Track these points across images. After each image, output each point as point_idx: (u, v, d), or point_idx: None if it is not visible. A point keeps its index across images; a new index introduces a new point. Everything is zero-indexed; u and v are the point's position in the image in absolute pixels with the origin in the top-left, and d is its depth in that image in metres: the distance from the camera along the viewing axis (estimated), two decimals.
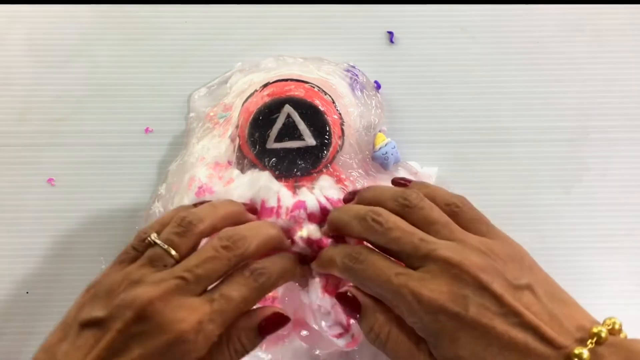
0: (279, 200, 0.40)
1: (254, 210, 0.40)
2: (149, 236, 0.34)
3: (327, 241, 0.38)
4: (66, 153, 0.47)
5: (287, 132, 0.42)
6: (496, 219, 0.45)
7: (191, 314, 0.31)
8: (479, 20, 0.50)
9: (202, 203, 0.38)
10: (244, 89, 0.46)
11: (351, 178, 0.43)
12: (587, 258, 0.46)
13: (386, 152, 0.44)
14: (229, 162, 0.43)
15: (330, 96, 0.44)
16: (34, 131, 0.47)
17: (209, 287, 0.33)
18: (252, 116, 0.42)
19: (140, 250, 0.34)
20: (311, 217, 0.40)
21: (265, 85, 0.44)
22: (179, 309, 0.31)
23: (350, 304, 0.35)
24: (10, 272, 0.45)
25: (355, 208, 0.36)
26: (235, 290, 0.33)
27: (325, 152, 0.42)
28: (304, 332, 0.41)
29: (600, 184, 0.47)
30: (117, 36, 0.49)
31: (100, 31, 0.49)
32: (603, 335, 0.30)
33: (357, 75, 0.47)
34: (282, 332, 0.40)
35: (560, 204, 0.47)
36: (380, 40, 0.50)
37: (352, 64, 0.48)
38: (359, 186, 0.43)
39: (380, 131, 0.46)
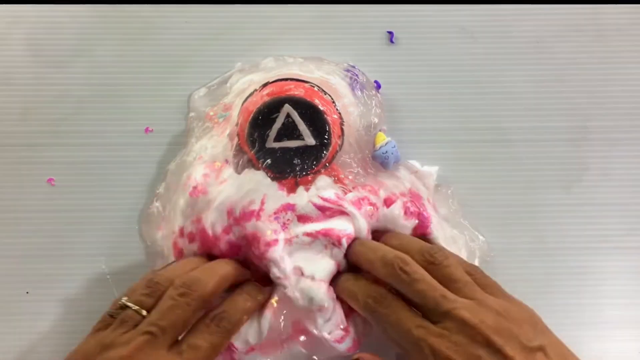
0: (262, 202, 0.40)
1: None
2: (120, 300, 0.35)
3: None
4: (66, 153, 0.47)
5: (286, 132, 0.42)
6: (496, 219, 0.46)
7: None
8: (479, 20, 0.50)
9: (174, 262, 0.40)
10: (244, 88, 0.46)
11: (350, 177, 0.43)
12: (587, 258, 0.46)
13: (386, 152, 0.44)
14: (227, 161, 0.43)
15: (330, 96, 0.44)
16: (34, 131, 0.47)
17: (179, 338, 0.35)
18: (251, 115, 0.42)
19: (115, 316, 0.35)
20: (302, 219, 0.40)
21: (264, 85, 0.44)
22: None
23: None
24: (10, 272, 0.45)
25: (382, 249, 0.38)
26: (201, 339, 0.35)
27: (324, 152, 0.42)
28: (303, 338, 0.41)
29: (600, 184, 0.47)
30: (117, 36, 0.49)
31: (100, 31, 0.49)
32: None
33: (357, 75, 0.47)
34: (281, 336, 0.40)
35: (560, 204, 0.47)
36: (380, 40, 0.50)
37: (352, 64, 0.47)
38: (359, 186, 0.43)
39: (380, 130, 0.45)
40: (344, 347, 0.39)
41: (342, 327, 0.39)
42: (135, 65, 0.49)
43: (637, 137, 0.48)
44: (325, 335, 0.39)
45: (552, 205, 0.47)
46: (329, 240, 0.40)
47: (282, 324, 0.40)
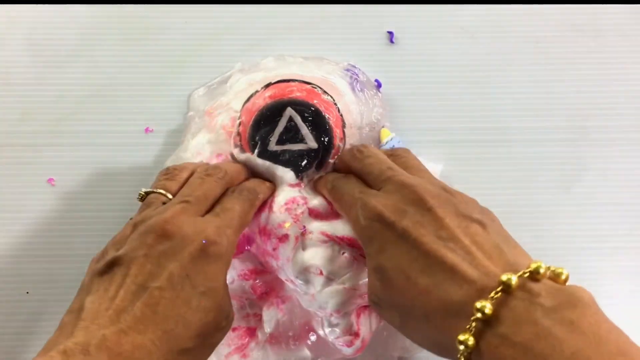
0: (273, 195, 0.40)
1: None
2: (140, 192, 0.37)
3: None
4: (66, 153, 0.47)
5: (288, 135, 0.42)
6: None
7: (207, 224, 0.33)
8: (479, 20, 0.50)
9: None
10: (244, 88, 0.46)
11: None
12: (587, 258, 0.46)
13: (393, 147, 0.44)
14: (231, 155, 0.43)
15: (331, 97, 0.44)
16: (34, 131, 0.47)
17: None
18: (253, 118, 0.42)
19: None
20: (313, 213, 0.40)
21: (267, 86, 0.44)
22: (194, 223, 0.33)
23: None
24: (10, 272, 0.45)
25: (356, 145, 0.40)
26: (231, 204, 0.36)
27: (327, 155, 0.42)
28: (313, 337, 0.41)
29: (600, 184, 0.47)
30: (117, 36, 0.49)
31: (100, 31, 0.49)
32: (541, 271, 0.27)
33: (357, 74, 0.47)
34: (289, 333, 0.40)
35: (560, 204, 0.47)
36: (380, 40, 0.50)
37: (352, 64, 0.47)
38: None
39: (384, 126, 0.45)
40: (352, 350, 0.39)
41: (353, 331, 0.39)
42: (135, 65, 0.49)
43: (637, 137, 0.48)
44: (334, 339, 0.39)
45: (552, 205, 0.47)
46: (357, 251, 0.38)
47: (292, 322, 0.40)
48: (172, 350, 0.30)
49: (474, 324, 0.27)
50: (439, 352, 0.30)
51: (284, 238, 0.39)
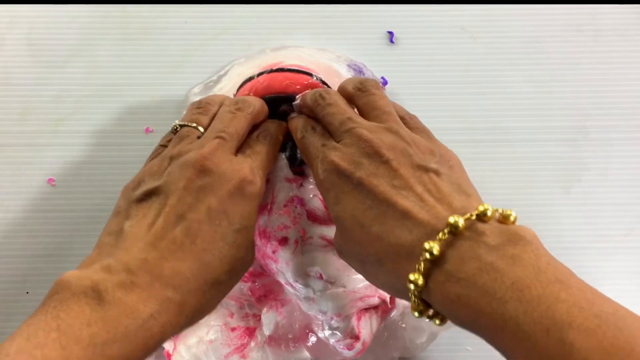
0: (272, 196, 0.40)
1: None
2: (175, 124, 0.38)
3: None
4: (66, 153, 0.47)
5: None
6: None
7: (242, 164, 0.34)
8: (479, 20, 0.50)
9: None
10: (239, 80, 0.44)
11: None
12: (587, 258, 0.46)
13: None
14: None
15: (330, 88, 0.43)
16: (34, 131, 0.47)
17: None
18: None
19: (166, 145, 0.37)
20: (311, 216, 0.40)
21: (262, 73, 0.42)
22: (231, 162, 0.34)
23: None
24: (10, 272, 0.45)
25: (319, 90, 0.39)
26: (260, 148, 0.37)
27: None
28: (312, 339, 0.41)
29: (600, 184, 0.47)
30: (117, 36, 0.49)
31: (100, 31, 0.49)
32: (489, 213, 0.28)
33: (362, 70, 0.46)
34: (289, 335, 0.40)
35: (560, 204, 0.47)
36: (380, 40, 0.50)
37: (356, 63, 0.47)
38: None
39: None
40: (352, 353, 0.39)
41: (353, 334, 0.38)
42: (135, 65, 0.49)
43: (636, 137, 0.48)
44: (335, 342, 0.39)
45: (551, 205, 0.47)
46: None
47: (292, 325, 0.40)
48: (206, 282, 0.31)
49: (422, 265, 0.28)
50: (395, 294, 0.33)
51: (283, 241, 0.39)
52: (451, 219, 0.28)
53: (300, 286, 0.38)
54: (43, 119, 0.48)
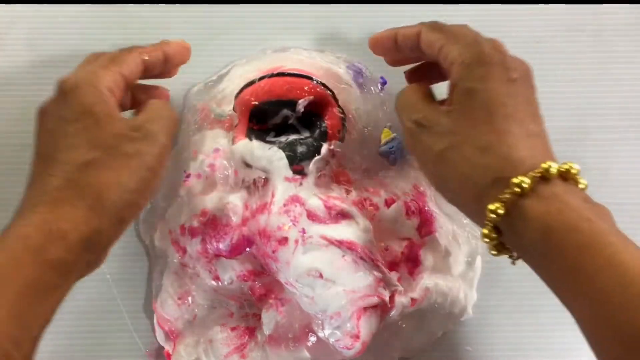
0: (272, 195, 0.40)
1: None
2: None
3: None
4: None
5: (285, 131, 0.42)
6: None
7: None
8: (479, 20, 0.50)
9: None
10: (239, 82, 0.45)
11: (352, 174, 0.43)
12: None
13: (392, 147, 0.44)
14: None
15: (331, 91, 0.43)
16: (34, 131, 0.47)
17: None
18: (250, 113, 0.42)
19: None
20: (311, 216, 0.40)
21: (262, 78, 0.43)
22: None
23: None
24: None
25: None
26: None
27: (324, 149, 0.42)
28: (312, 339, 0.41)
29: (600, 184, 0.47)
30: (117, 36, 0.49)
31: (100, 31, 0.49)
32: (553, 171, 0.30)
33: (361, 69, 0.46)
34: (288, 335, 0.40)
35: None
36: None
37: (355, 62, 0.47)
38: (362, 188, 0.43)
39: (386, 127, 0.45)
40: (352, 352, 0.39)
41: (353, 333, 0.39)
42: None
43: (637, 137, 0.48)
44: (335, 342, 0.39)
45: None
46: (357, 255, 0.39)
47: (292, 324, 0.40)
48: None
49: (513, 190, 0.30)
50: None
51: (283, 241, 0.39)
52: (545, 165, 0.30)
53: (300, 285, 0.38)
54: None
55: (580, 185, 0.31)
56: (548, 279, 0.30)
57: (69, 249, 0.30)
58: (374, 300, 0.39)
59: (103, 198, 0.31)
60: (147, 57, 0.38)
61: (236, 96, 0.43)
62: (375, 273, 0.39)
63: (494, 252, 0.31)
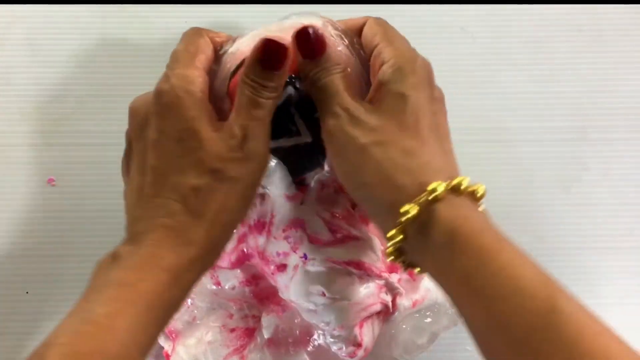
0: (272, 215, 0.39)
1: None
2: None
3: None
4: (66, 153, 0.47)
5: (282, 126, 0.40)
6: (496, 219, 0.45)
7: None
8: (479, 20, 0.50)
9: None
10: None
11: None
12: (587, 258, 0.46)
13: None
14: None
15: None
16: (34, 131, 0.47)
17: None
18: None
19: None
20: (313, 240, 0.39)
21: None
22: None
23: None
24: (10, 272, 0.45)
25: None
26: None
27: (323, 151, 0.41)
28: (313, 344, 0.41)
29: (600, 184, 0.47)
30: (117, 36, 0.49)
31: (100, 31, 0.49)
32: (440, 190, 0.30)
33: None
34: (288, 339, 0.40)
35: (560, 204, 0.47)
36: None
37: None
38: None
39: None
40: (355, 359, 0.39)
41: (356, 342, 0.38)
42: (135, 65, 0.49)
43: (637, 137, 0.48)
44: (337, 350, 0.39)
45: (551, 205, 0.47)
46: (364, 273, 0.38)
47: (292, 329, 0.40)
48: None
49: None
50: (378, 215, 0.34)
51: (281, 267, 0.38)
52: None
53: (302, 302, 0.38)
54: (43, 119, 0.48)
55: (480, 209, 0.32)
56: (447, 284, 0.31)
57: (192, 269, 0.32)
58: (377, 307, 0.38)
59: (215, 222, 0.32)
60: (218, 40, 0.38)
61: (231, 76, 0.37)
62: (378, 281, 0.39)
63: (392, 257, 0.32)
